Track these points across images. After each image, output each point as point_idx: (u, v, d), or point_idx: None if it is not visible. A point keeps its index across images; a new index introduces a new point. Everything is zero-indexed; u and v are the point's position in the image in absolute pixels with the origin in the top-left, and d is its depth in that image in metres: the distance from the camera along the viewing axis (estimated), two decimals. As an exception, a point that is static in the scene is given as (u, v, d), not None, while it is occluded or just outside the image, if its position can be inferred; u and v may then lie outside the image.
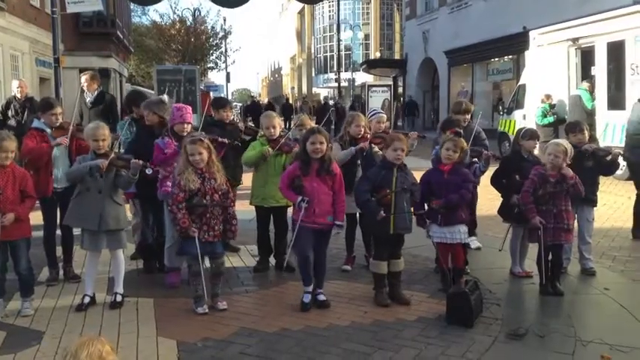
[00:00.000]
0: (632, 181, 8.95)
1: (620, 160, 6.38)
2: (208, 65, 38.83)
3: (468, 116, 6.24)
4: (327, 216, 4.68)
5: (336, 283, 5.24)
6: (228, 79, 42.15)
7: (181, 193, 4.48)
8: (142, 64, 38.94)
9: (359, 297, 4.94)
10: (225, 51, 40.48)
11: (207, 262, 4.71)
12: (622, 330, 4.24)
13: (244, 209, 6.03)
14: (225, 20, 40.56)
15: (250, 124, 7.66)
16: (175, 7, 35.54)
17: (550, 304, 4.82)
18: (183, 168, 4.52)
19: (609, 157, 5.60)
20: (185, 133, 5.09)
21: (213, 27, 38.22)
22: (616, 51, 11.68)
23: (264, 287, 5.30)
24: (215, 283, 4.71)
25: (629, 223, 7.13)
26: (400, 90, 34.15)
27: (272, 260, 5.84)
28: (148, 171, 4.84)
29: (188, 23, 34.67)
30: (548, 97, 12.97)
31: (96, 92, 7.90)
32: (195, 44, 34.62)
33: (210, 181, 4.56)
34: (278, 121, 5.70)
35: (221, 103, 6.34)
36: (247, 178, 5.84)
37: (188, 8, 32.52)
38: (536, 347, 3.95)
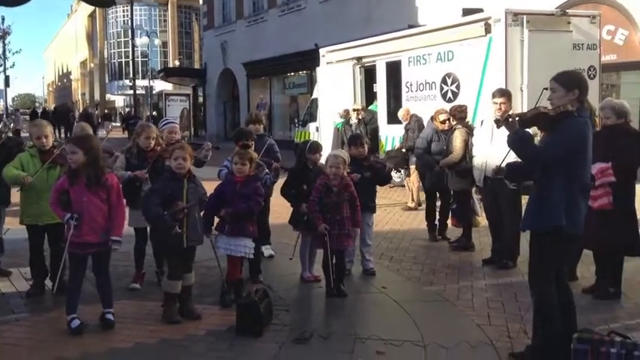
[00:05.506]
0: (404, 187, 10.07)
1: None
2: (-18, 68, 34.53)
3: (260, 126, 6.38)
4: (101, 233, 4.35)
5: (122, 303, 4.92)
6: (7, 84, 37.97)
7: None
8: None
9: (146, 316, 4.70)
10: (4, 53, 36.42)
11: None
12: (395, 325, 4.62)
13: (16, 228, 5.42)
14: (3, 20, 36.33)
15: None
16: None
17: (335, 306, 5.08)
18: None
19: (385, 171, 6.20)
20: None
21: (-12, 26, 34.13)
22: (394, 70, 12.84)
23: (37, 314, 4.78)
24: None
25: (406, 226, 7.87)
26: (201, 99, 33.86)
27: (48, 283, 5.32)
28: None
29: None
30: (347, 112, 12.65)
31: None
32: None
33: None
34: (50, 130, 5.23)
35: None
36: (16, 194, 5.25)
37: (-45, 3, 28.46)
38: (319, 349, 4.12)
